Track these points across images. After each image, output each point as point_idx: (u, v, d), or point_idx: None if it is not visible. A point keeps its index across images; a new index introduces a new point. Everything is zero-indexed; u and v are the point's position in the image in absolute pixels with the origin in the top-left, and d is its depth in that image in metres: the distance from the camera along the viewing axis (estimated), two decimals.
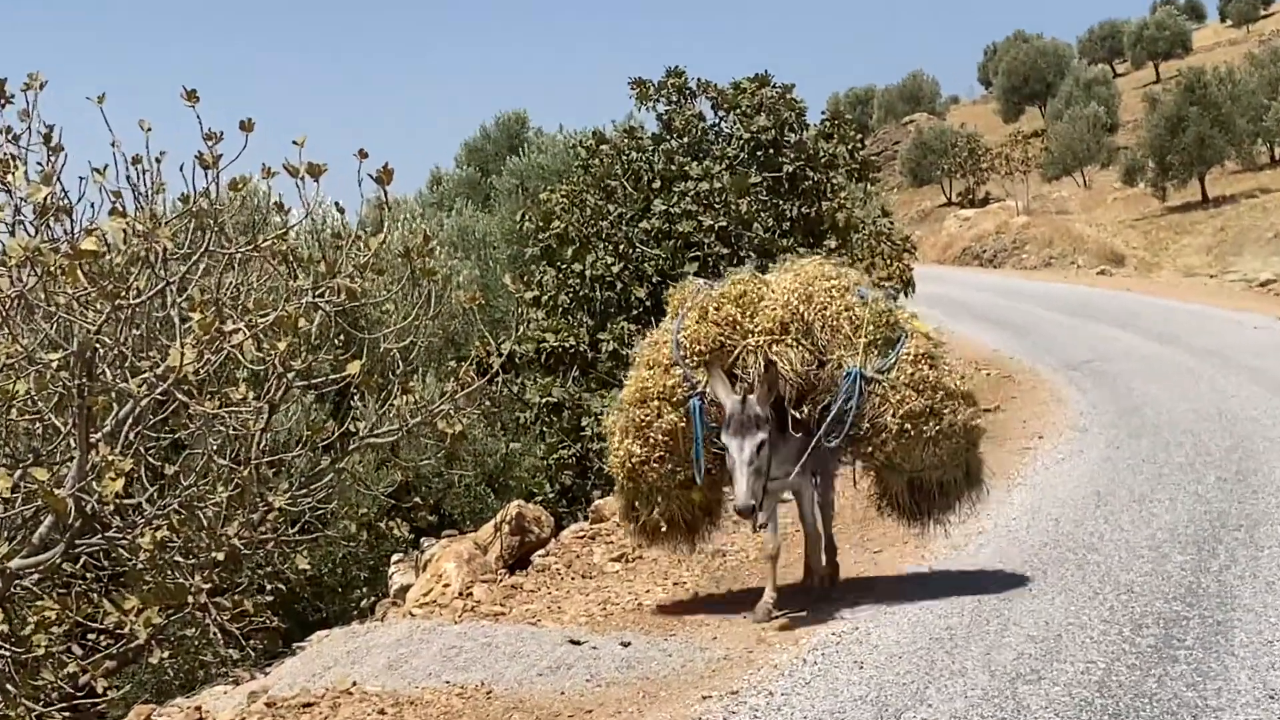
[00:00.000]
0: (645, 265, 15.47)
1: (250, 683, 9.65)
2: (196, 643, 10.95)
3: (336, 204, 14.47)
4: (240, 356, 9.41)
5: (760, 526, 9.18)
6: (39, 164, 9.45)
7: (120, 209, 9.54)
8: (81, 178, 9.63)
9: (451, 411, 10.81)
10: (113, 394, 9.41)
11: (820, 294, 8.98)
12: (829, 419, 8.78)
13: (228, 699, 8.80)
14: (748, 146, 16.56)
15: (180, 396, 9.47)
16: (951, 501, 9.54)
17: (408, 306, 11.74)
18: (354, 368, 9.86)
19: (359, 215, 11.27)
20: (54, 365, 8.85)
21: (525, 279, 15.97)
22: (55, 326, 9.47)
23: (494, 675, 8.63)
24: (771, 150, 16.50)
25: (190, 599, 9.39)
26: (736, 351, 8.95)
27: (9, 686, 8.59)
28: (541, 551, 12.74)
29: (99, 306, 8.94)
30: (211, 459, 9.77)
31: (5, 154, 9.31)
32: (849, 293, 9.09)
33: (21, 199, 9.16)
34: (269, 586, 11.98)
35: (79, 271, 8.58)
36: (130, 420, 9.60)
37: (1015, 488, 12.95)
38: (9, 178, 9.13)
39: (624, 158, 16.32)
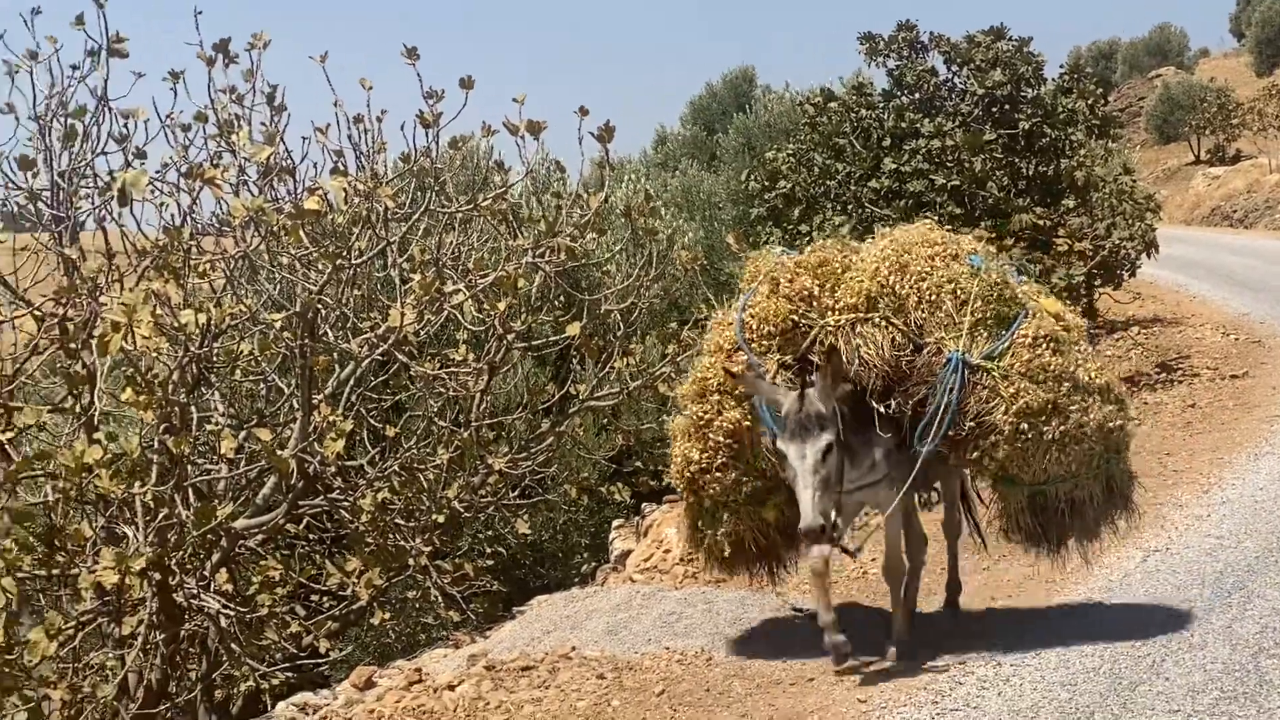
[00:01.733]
0: (875, 226, 14.67)
1: (470, 646, 9.81)
2: (417, 605, 11.28)
3: (557, 163, 14.91)
4: (460, 318, 9.63)
5: (854, 551, 7.92)
6: (262, 124, 9.72)
7: (342, 168, 9.81)
8: (304, 137, 9.92)
9: (673, 375, 10.72)
10: (334, 355, 9.73)
11: (918, 262, 7.48)
12: (925, 417, 7.30)
13: (448, 661, 8.93)
14: (982, 102, 16.25)
15: (401, 357, 9.75)
16: (1090, 524, 7.81)
17: (629, 267, 11.88)
18: (574, 329, 10.11)
19: (580, 174, 11.26)
20: (277, 325, 9.13)
21: (750, 240, 15.55)
22: (278, 287, 9.83)
23: (715, 642, 8.63)
24: (1007, 106, 16.21)
25: (411, 562, 9.65)
26: (813, 333, 7.41)
27: (234, 645, 8.87)
28: None
29: (321, 267, 9.16)
30: (432, 421, 10.06)
31: (229, 114, 9.58)
32: (957, 262, 7.56)
33: (245, 159, 9.39)
34: (489, 550, 12.35)
35: (301, 231, 8.84)
36: (351, 381, 9.92)
37: (1263, 456, 12.44)
38: (233, 138, 9.40)
39: (853, 115, 16.18)
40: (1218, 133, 55.79)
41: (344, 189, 9.40)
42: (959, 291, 7.33)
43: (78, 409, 8.49)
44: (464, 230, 10.84)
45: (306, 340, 9.19)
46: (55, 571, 8.25)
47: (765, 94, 23.17)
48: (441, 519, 9.86)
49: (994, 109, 16.16)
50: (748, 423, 7.62)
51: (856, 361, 7.24)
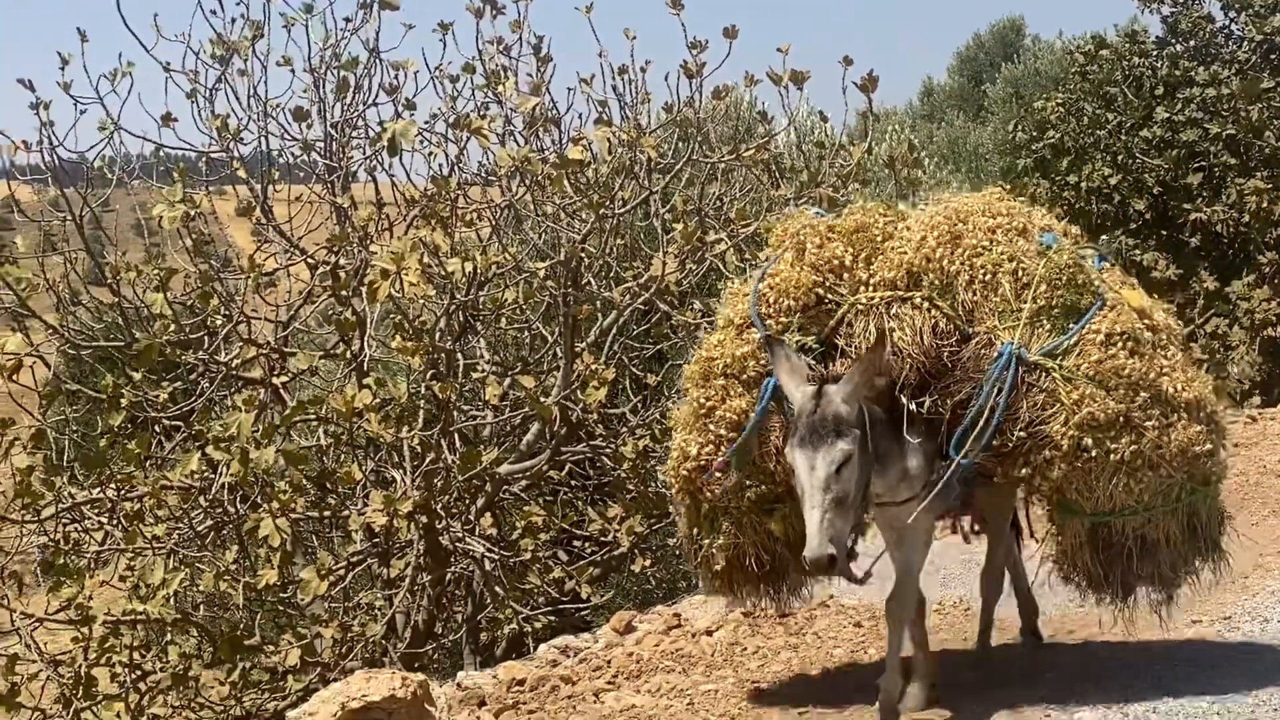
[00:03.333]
0: (1145, 176, 15.03)
1: None
2: (677, 552, 11.24)
3: (820, 113, 14.85)
4: (722, 267, 9.61)
5: (862, 580, 6.13)
6: (528, 75, 9.88)
7: (606, 119, 9.92)
8: (569, 88, 10.02)
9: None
10: (597, 303, 9.84)
11: (975, 234, 6.00)
12: (965, 421, 5.79)
13: (706, 608, 8.96)
14: (1261, 49, 15.84)
15: (663, 306, 9.81)
16: (1165, 569, 6.12)
17: None
18: None
19: (843, 125, 11.18)
20: (541, 274, 9.25)
21: (1017, 192, 15.60)
22: (543, 236, 9.99)
23: (972, 593, 8.33)
24: None
25: (672, 509, 9.60)
26: (841, 311, 5.96)
27: (498, 588, 9.10)
28: None
29: (585, 216, 9.28)
30: None
31: (496, 65, 9.73)
32: (1024, 238, 6.06)
33: (512, 110, 9.58)
34: None
35: (566, 181, 8.97)
36: (614, 330, 10.03)
37: None
38: (500, 89, 9.57)
39: (1125, 63, 15.94)
40: None
41: (608, 139, 9.52)
42: (1020, 272, 5.88)
43: (348, 355, 8.77)
44: (726, 180, 10.81)
45: (570, 289, 9.30)
46: (326, 513, 8.56)
47: (1035, 43, 23.03)
48: None
49: (1273, 55, 15.81)
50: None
51: (906, 347, 5.84)
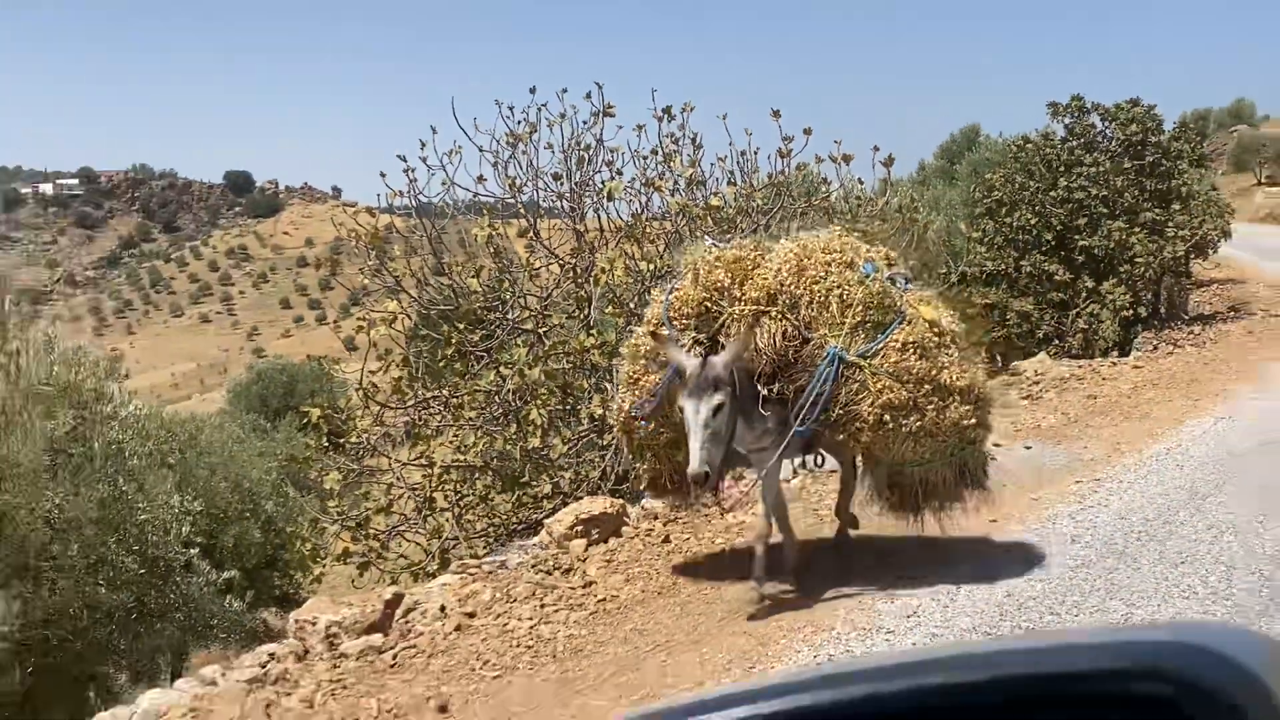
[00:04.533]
0: (1052, 220, 15.70)
1: None
2: None
3: (859, 179, 14.65)
4: None
5: (728, 509, 6.67)
6: (688, 155, 10.14)
7: (732, 181, 10.16)
8: (711, 163, 10.32)
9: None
10: None
11: (815, 267, 6.00)
12: (802, 400, 5.83)
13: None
14: (1122, 144, 16.32)
15: None
16: (943, 501, 6.33)
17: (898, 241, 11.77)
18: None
19: (872, 185, 11.86)
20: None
21: (973, 227, 16.73)
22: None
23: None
24: (1140, 146, 16.27)
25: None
26: (722, 319, 6.03)
27: None
28: None
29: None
30: None
31: (669, 149, 9.93)
32: (850, 269, 6.04)
33: (678, 176, 9.81)
34: None
35: (709, 218, 9.10)
36: None
37: None
38: (671, 163, 9.78)
39: (1041, 152, 16.45)
40: (1273, 165, 54.75)
41: (733, 194, 9.94)
42: (844, 296, 5.93)
43: (581, 316, 9.12)
44: (802, 220, 10.23)
45: None
46: (566, 406, 8.78)
47: (986, 139, 23.52)
48: None
49: (1130, 148, 16.21)
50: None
51: (761, 346, 5.91)
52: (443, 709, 5.03)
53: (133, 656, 8.03)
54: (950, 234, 16.74)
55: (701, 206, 9.53)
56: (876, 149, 10.66)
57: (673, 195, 9.71)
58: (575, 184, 9.73)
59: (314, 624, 6.02)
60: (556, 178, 9.72)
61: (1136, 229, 15.17)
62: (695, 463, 5.43)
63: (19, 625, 7.01)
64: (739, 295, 5.97)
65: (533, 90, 9.80)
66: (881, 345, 5.83)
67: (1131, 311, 15.00)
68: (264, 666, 5.60)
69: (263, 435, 16.57)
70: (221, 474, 10.09)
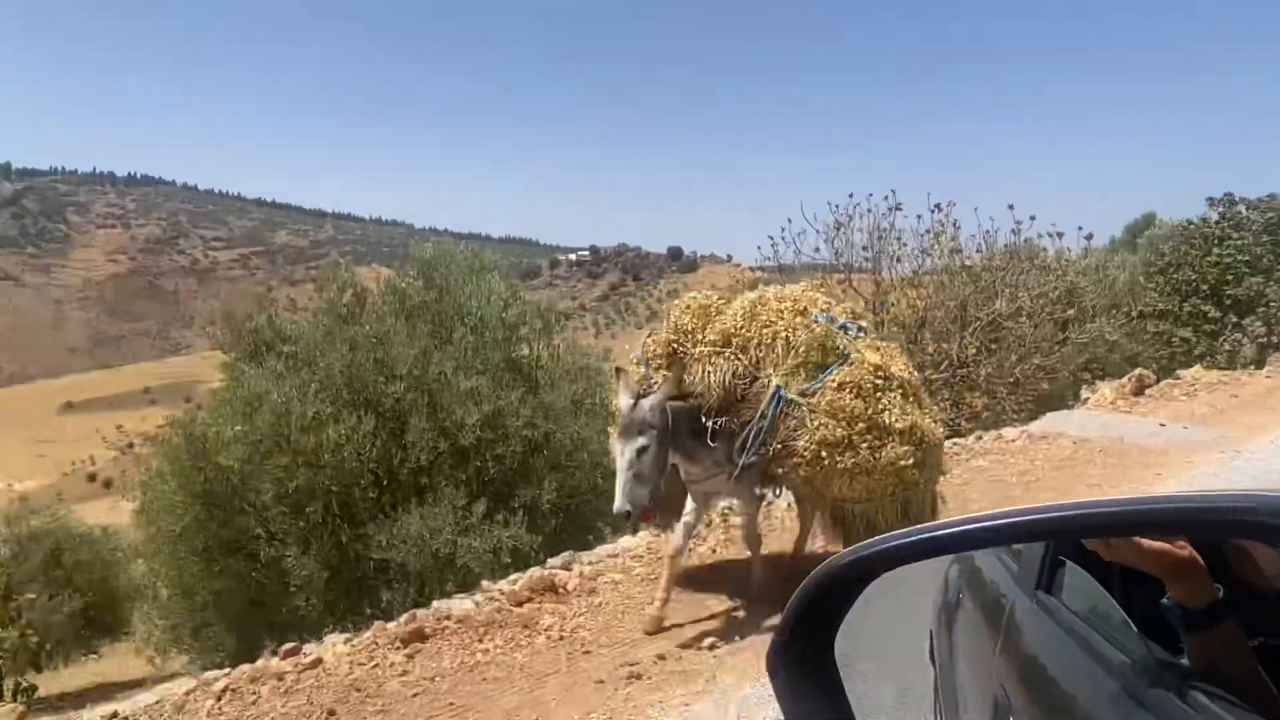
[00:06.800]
0: (1207, 275, 18.70)
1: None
2: None
3: (1068, 248, 14.78)
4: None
5: (661, 525, 6.53)
6: (949, 230, 12.29)
7: (979, 250, 12.60)
8: (967, 238, 12.39)
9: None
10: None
11: (767, 313, 6.10)
12: (744, 434, 5.81)
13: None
14: (1263, 225, 19.29)
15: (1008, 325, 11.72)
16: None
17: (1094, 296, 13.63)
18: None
19: (1068, 252, 14.37)
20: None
21: (1149, 279, 19.42)
22: (945, 290, 12.39)
23: (1124, 435, 9.90)
24: (1275, 226, 19.28)
25: None
26: (687, 359, 6.04)
27: None
28: None
29: (962, 282, 12.09)
30: None
31: (937, 226, 12.14)
32: (803, 316, 6.12)
33: (942, 244, 12.59)
34: None
35: (965, 272, 12.19)
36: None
37: None
38: (939, 237, 12.55)
39: (1200, 230, 19.41)
40: None
41: (979, 260, 12.15)
42: (790, 339, 5.96)
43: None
44: (1025, 272, 12.51)
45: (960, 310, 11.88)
46: None
47: (1159, 222, 25.22)
48: None
49: (1268, 228, 18.89)
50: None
51: (711, 384, 5.88)
52: None
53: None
54: (1133, 285, 19.35)
55: (959, 265, 12.26)
56: (1080, 228, 13.39)
57: (939, 259, 12.30)
58: (875, 252, 12.42)
59: None
60: (864, 246, 12.34)
61: (1272, 282, 18.11)
62: (617, 502, 5.33)
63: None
64: (700, 338, 6.01)
65: (850, 195, 12.44)
66: (820, 385, 5.77)
67: (1266, 339, 17.50)
68: None
69: None
70: None
